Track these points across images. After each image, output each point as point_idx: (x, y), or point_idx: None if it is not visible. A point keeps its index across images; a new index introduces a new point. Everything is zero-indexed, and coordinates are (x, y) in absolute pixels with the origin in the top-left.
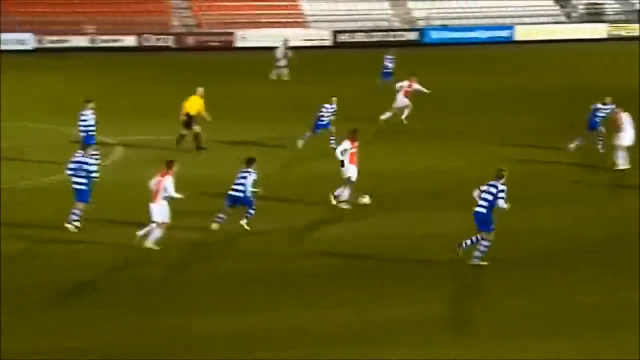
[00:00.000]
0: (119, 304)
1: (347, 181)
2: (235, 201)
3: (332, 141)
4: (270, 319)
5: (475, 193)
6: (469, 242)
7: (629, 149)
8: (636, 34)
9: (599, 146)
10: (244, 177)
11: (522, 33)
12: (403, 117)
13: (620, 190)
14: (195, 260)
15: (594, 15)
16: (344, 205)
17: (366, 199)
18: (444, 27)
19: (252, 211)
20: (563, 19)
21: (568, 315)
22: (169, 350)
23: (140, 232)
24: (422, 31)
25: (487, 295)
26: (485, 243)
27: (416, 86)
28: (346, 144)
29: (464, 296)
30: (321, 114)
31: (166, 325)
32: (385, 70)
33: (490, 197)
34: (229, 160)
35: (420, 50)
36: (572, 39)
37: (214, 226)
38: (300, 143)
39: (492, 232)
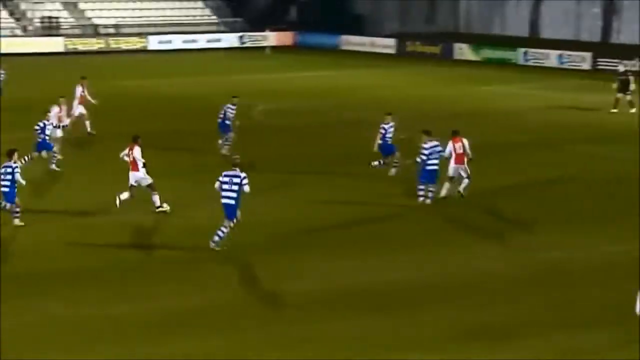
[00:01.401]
0: None
1: (132, 189)
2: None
3: (54, 160)
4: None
5: (217, 185)
6: (221, 233)
7: None
8: (93, 47)
9: (224, 145)
10: (9, 173)
11: None
12: (89, 129)
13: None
14: None
15: (50, 29)
16: (164, 208)
17: (166, 207)
18: None
19: (18, 208)
20: (19, 32)
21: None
22: None
23: None
24: None
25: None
26: (227, 230)
27: (85, 92)
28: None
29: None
30: (41, 132)
31: None
32: None
33: (236, 187)
34: None
35: None
36: (28, 53)
37: (16, 222)
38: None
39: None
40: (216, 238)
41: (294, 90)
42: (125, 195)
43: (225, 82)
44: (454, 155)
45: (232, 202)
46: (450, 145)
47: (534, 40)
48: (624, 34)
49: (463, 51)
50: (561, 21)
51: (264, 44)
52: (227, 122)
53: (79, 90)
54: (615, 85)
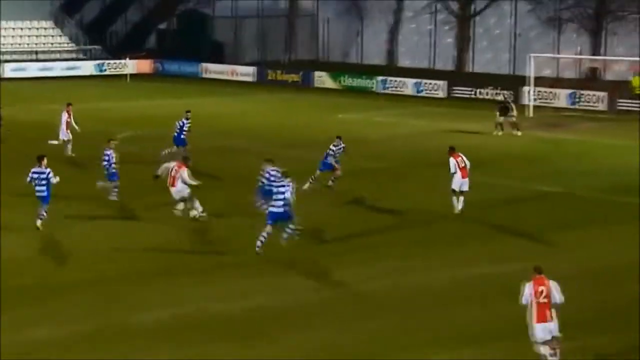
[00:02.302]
0: None
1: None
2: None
3: (114, 192)
4: None
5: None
6: (262, 239)
7: None
8: None
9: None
10: (44, 178)
11: None
12: (69, 153)
13: None
14: None
15: None
16: (203, 216)
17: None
18: None
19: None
20: None
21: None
22: None
23: None
24: None
25: None
26: (293, 227)
27: (71, 118)
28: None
29: None
30: (108, 162)
31: None
32: None
33: (282, 196)
34: None
35: None
36: None
37: (38, 223)
38: None
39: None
40: (259, 243)
41: (154, 118)
42: (181, 206)
43: (84, 110)
44: (459, 170)
45: (281, 209)
46: (452, 161)
47: (391, 69)
48: (477, 63)
49: (323, 79)
50: (417, 50)
51: (124, 71)
52: (182, 135)
53: (65, 116)
54: (498, 113)
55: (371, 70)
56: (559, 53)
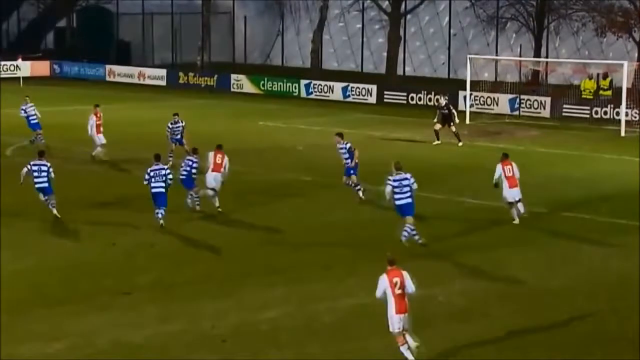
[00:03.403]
0: None
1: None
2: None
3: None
4: None
5: (389, 189)
6: (406, 233)
7: None
8: None
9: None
10: (45, 171)
11: None
12: (94, 153)
13: None
14: None
15: None
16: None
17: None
18: None
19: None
20: None
21: None
22: None
23: None
24: None
25: None
26: (413, 225)
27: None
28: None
29: None
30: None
31: None
32: None
33: (407, 189)
34: None
35: None
36: None
37: (55, 211)
38: None
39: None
40: (405, 234)
41: (53, 126)
42: (209, 192)
43: None
44: (505, 180)
45: (410, 200)
46: (498, 169)
47: (317, 72)
48: (410, 65)
49: (241, 83)
50: (345, 51)
51: (16, 74)
52: (178, 136)
53: (93, 119)
54: (435, 119)
55: (295, 73)
56: (498, 54)
